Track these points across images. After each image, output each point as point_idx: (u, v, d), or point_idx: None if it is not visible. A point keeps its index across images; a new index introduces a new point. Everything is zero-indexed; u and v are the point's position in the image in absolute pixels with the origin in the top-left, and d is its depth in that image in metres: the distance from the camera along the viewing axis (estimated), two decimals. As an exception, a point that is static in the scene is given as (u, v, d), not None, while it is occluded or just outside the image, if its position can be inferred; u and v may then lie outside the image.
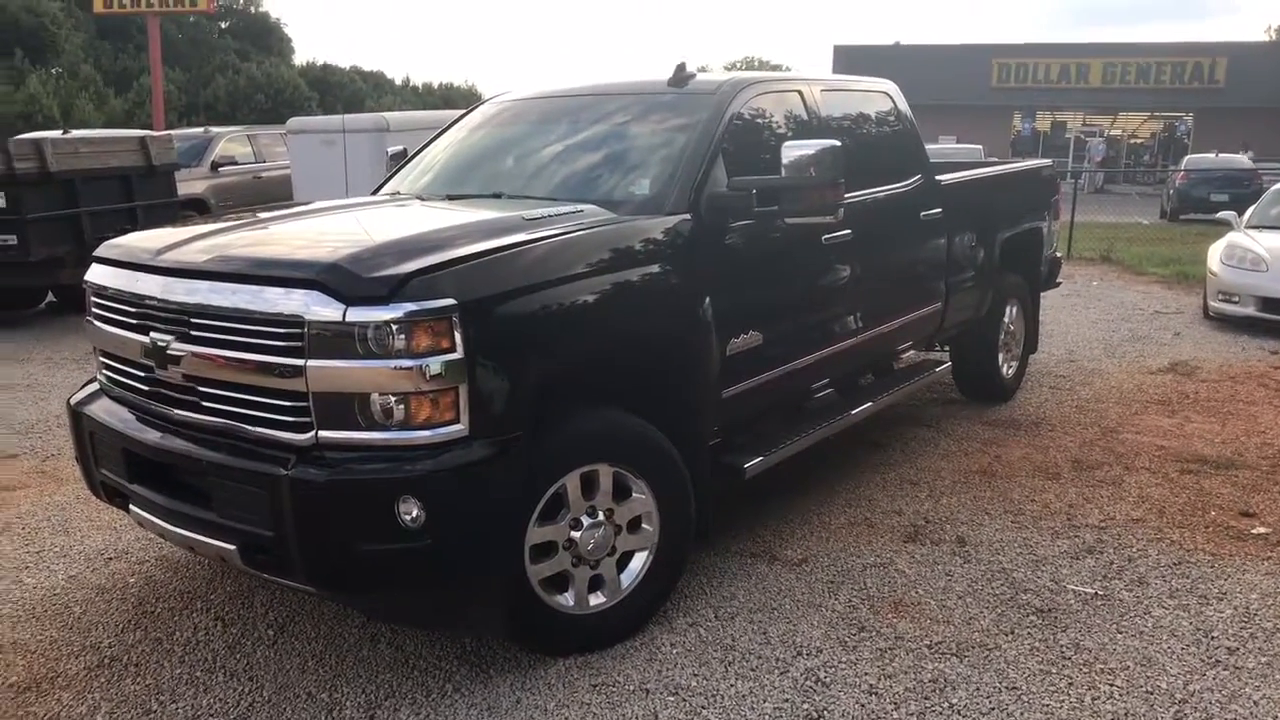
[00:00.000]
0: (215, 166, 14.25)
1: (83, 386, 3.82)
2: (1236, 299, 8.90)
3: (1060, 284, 7.36)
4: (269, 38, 54.99)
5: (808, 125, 4.48)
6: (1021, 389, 6.74)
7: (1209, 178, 21.23)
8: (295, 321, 2.86)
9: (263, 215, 3.80)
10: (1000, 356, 6.34)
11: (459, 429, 2.91)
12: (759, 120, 4.30)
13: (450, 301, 2.85)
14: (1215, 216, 11.19)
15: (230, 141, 14.92)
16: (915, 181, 5.18)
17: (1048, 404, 6.50)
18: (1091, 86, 35.69)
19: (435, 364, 2.84)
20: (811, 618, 3.65)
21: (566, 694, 3.18)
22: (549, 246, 3.23)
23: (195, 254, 3.22)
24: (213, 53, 49.03)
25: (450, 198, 4.20)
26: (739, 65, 64.87)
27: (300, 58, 55.99)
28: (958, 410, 6.31)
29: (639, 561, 3.51)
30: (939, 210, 5.28)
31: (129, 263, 3.40)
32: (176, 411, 3.23)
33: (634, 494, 3.44)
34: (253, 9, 55.65)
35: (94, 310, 3.58)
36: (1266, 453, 5.46)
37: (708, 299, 3.68)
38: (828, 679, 3.24)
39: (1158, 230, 18.75)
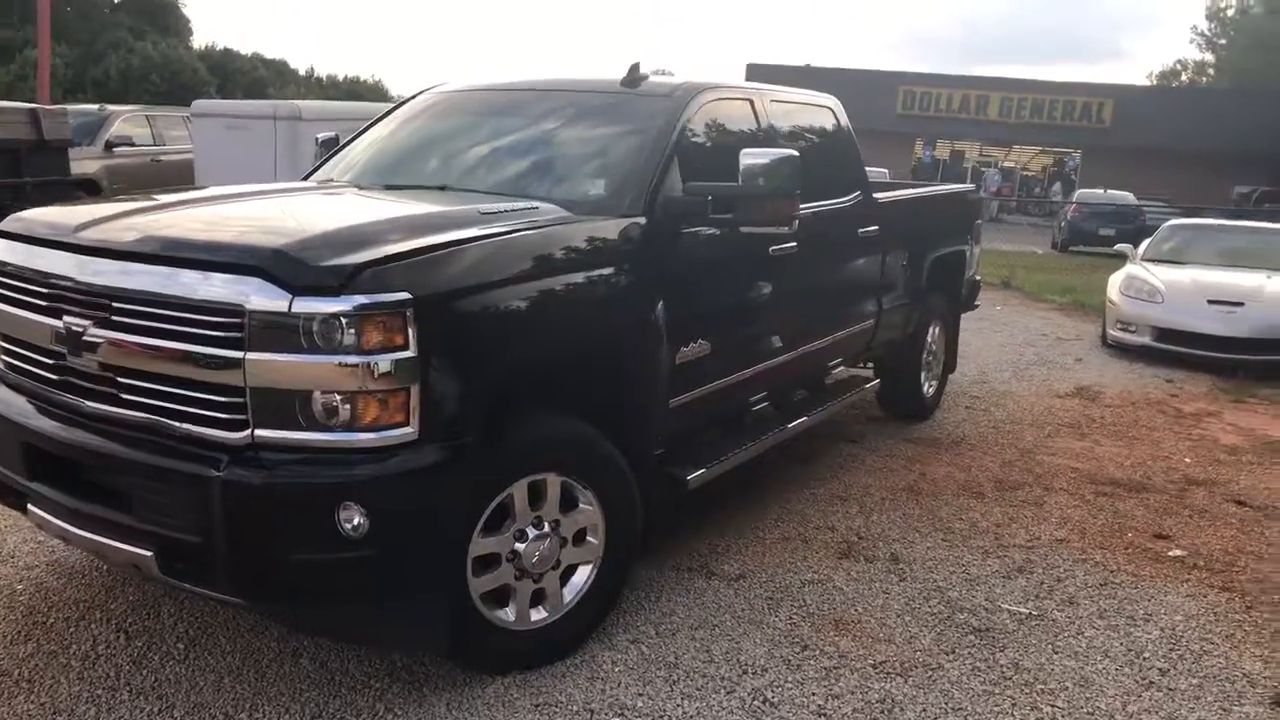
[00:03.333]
0: (110, 146, 13.53)
1: (-25, 373, 3.48)
2: (1134, 328, 9.27)
3: (978, 306, 7.53)
4: (165, 17, 52.59)
5: (758, 135, 4.44)
6: (940, 408, 6.85)
7: (1098, 212, 22.29)
8: (234, 310, 2.64)
9: (187, 197, 3.53)
10: (923, 375, 6.43)
11: (408, 432, 2.73)
12: (711, 127, 4.23)
13: (404, 296, 2.68)
14: (1114, 249, 11.69)
15: (127, 121, 14.17)
16: (855, 198, 5.19)
17: (965, 424, 6.62)
18: (990, 119, 37.08)
19: (386, 362, 2.66)
20: (754, 635, 3.58)
21: (506, 714, 3.03)
22: (506, 242, 3.09)
23: (119, 232, 2.96)
24: (104, 28, 46.74)
25: (389, 188, 4.01)
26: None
27: (199, 40, 53.86)
28: (880, 427, 6.36)
29: (582, 575, 3.37)
30: (876, 228, 5.30)
31: (39, 238, 3.11)
32: (89, 403, 2.95)
33: (581, 505, 3.31)
34: (149, -15, 53.25)
35: (-5, 290, 3.27)
36: (1172, 477, 5.66)
37: (660, 305, 3.59)
38: (775, 699, 3.17)
39: (1052, 260, 19.56)
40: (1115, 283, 9.89)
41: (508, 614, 3.19)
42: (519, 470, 3.10)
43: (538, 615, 3.27)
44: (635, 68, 4.32)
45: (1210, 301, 8.96)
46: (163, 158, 14.24)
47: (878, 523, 4.72)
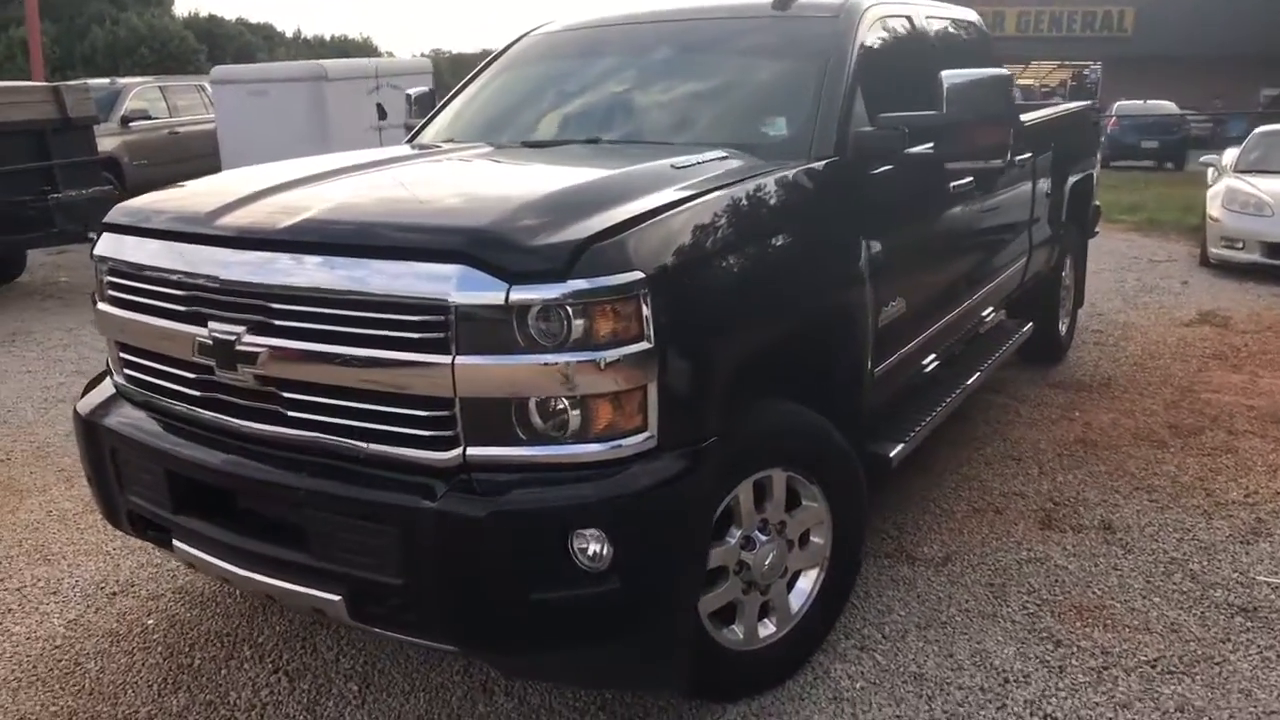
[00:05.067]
0: (126, 121, 12.94)
1: (89, 388, 3.01)
2: (1241, 244, 8.71)
3: (1098, 233, 6.97)
4: (144, -14, 51.21)
5: (927, 54, 3.88)
6: (1071, 347, 6.34)
7: (1139, 125, 21.46)
8: (435, 306, 2.15)
9: (315, 170, 2.98)
10: (1059, 313, 5.92)
11: (646, 438, 2.26)
12: (884, 47, 3.67)
13: (637, 275, 2.18)
14: (1200, 161, 11.11)
15: (141, 94, 13.55)
16: (1007, 123, 4.63)
17: (1104, 362, 6.11)
18: (1007, 35, 35.90)
19: (619, 356, 2.17)
20: (992, 632, 3.13)
21: (756, 752, 2.60)
22: (723, 201, 2.58)
23: (269, 217, 2.46)
24: (85, 2, 45.51)
25: (529, 145, 3.48)
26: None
27: (181, 8, 52.59)
28: (1016, 373, 5.85)
29: (808, 581, 2.91)
30: (1029, 154, 4.76)
31: (163, 230, 2.61)
32: (246, 424, 2.48)
33: (804, 501, 2.84)
34: (126, -46, 51.70)
35: (110, 293, 2.77)
36: (1358, 410, 5.17)
37: (864, 258, 3.08)
38: (1056, 713, 2.72)
39: (1100, 176, 18.78)
40: (1216, 198, 9.29)
41: (736, 632, 2.74)
42: (747, 468, 2.63)
43: (765, 630, 2.82)
44: (785, -14, 3.75)
45: (1323, 212, 8.39)
46: (181, 130, 13.65)
47: (1067, 484, 4.25)
